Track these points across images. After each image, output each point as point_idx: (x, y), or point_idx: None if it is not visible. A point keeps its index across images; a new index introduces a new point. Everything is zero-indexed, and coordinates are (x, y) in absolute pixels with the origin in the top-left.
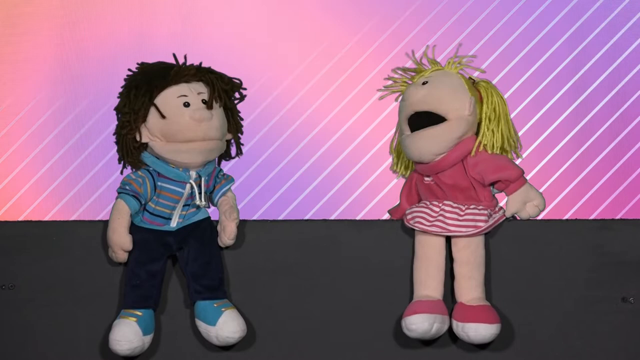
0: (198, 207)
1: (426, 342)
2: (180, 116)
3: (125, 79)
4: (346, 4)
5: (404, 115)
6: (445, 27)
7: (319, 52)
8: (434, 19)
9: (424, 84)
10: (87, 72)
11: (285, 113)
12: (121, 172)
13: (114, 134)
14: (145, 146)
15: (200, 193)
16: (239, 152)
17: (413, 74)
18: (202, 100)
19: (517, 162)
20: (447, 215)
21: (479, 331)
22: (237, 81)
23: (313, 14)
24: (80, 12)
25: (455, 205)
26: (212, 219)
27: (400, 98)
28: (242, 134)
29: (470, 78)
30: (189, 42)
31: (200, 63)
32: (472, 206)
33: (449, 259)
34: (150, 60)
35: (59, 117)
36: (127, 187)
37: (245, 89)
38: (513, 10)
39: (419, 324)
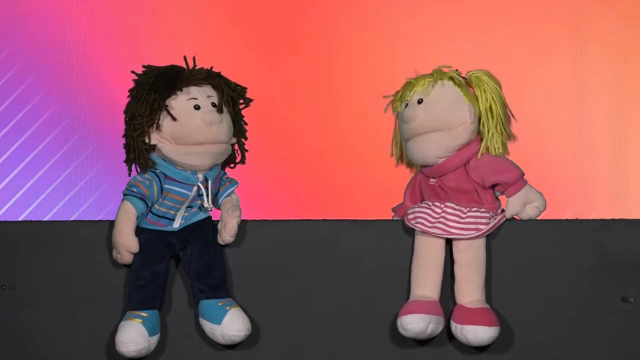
0: (199, 207)
1: (427, 342)
2: (191, 119)
3: (133, 81)
4: (343, 7)
5: (406, 137)
6: (441, 27)
7: (320, 51)
8: (432, 19)
9: (419, 102)
10: (87, 72)
11: (286, 112)
12: (129, 174)
13: (123, 136)
14: (152, 148)
15: (207, 195)
16: (243, 159)
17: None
18: (212, 103)
19: (512, 142)
20: (449, 217)
21: (477, 334)
22: (243, 87)
23: (310, 14)
24: (80, 12)
25: (457, 207)
26: (212, 219)
27: (396, 114)
28: (246, 139)
29: (463, 78)
30: (189, 42)
31: (211, 67)
32: (474, 209)
33: (450, 260)
34: (151, 59)
35: (59, 117)
36: (134, 190)
37: (249, 99)
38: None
39: (414, 323)
